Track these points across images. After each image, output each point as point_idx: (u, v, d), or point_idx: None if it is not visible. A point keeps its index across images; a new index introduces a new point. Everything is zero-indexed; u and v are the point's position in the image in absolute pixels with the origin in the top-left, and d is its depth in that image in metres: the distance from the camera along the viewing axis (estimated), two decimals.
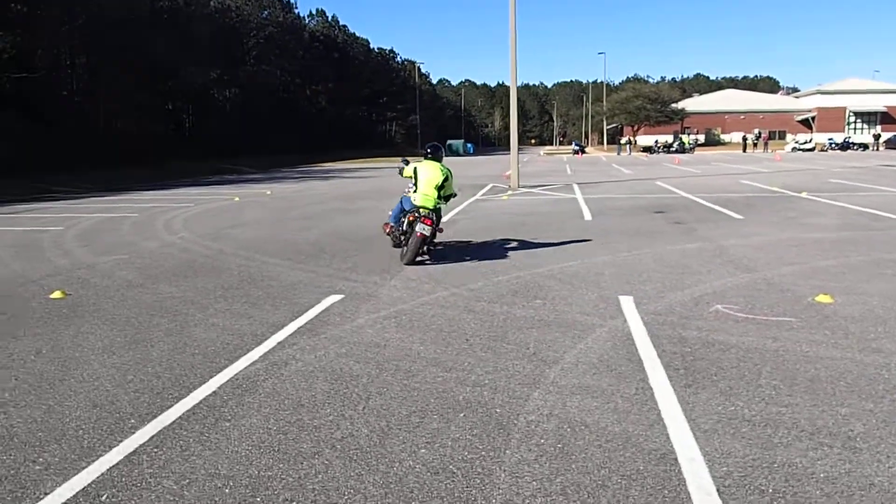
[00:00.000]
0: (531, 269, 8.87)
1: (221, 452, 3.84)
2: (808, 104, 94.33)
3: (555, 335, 5.93)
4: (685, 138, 72.37)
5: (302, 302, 7.35)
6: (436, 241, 10.46)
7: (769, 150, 65.56)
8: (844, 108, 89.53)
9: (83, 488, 3.48)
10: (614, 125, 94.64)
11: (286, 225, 14.39)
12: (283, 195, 23.52)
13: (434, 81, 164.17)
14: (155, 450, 3.89)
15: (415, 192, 9.83)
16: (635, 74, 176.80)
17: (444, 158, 10.40)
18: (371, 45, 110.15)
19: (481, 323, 6.38)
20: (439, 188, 9.80)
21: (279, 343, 5.88)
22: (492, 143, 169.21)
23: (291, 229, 13.61)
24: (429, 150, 10.32)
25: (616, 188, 23.27)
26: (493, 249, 10.52)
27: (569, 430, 4.02)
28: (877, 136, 67.48)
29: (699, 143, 79.12)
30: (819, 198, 17.39)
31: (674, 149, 68.20)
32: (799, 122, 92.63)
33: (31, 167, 35.32)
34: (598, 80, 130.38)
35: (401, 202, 10.07)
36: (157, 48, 51.94)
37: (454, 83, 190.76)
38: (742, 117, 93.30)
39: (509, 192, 21.87)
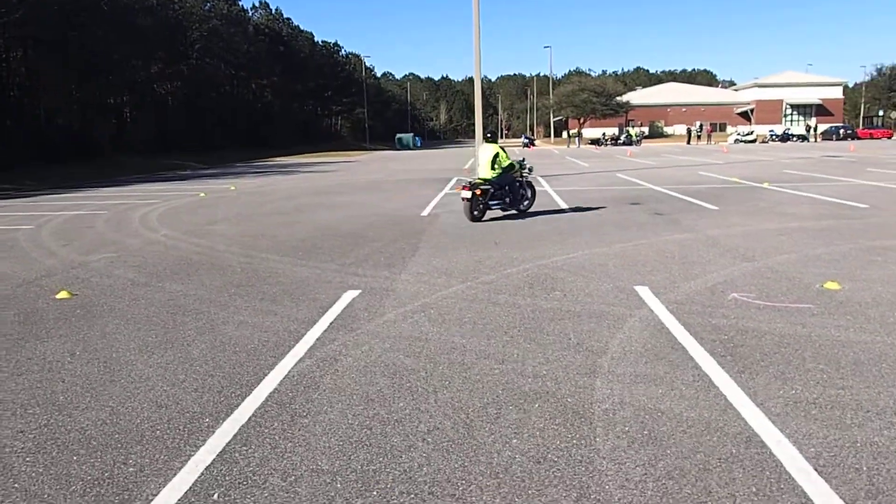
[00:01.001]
0: (535, 262, 8.98)
1: (314, 448, 3.84)
2: (746, 97, 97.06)
3: (590, 326, 6.06)
4: (632, 131, 73.63)
5: (321, 298, 7.33)
6: (523, 207, 13.86)
7: (713, 142, 67.21)
8: (781, 101, 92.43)
9: (189, 488, 3.45)
10: (559, 118, 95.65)
11: (266, 220, 14.24)
12: (247, 191, 23.20)
13: (378, 75, 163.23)
14: (244, 448, 3.88)
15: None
16: (577, 68, 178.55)
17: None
18: (315, 39, 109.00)
19: (512, 315, 6.47)
20: (492, 162, 13.07)
21: (318, 339, 5.87)
22: (437, 137, 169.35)
23: (274, 225, 13.48)
24: (488, 135, 14.04)
25: (581, 180, 23.61)
26: (488, 243, 10.60)
27: (647, 417, 4.14)
28: (808, 128, 69.71)
29: (645, 135, 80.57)
30: (782, 188, 17.95)
31: (621, 141, 69.36)
32: (738, 114, 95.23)
33: None
34: (542, 74, 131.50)
35: None
36: (97, 41, 50.45)
37: (398, 76, 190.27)
38: (684, 110, 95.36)
39: None
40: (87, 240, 12.15)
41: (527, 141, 73.90)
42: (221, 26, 75.47)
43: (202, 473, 3.60)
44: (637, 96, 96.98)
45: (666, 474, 3.45)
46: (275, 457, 3.76)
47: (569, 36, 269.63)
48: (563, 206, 15.48)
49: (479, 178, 13.23)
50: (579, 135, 77.32)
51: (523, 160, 14.40)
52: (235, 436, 4.03)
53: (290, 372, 5.07)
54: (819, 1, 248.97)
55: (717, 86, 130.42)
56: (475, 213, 12.98)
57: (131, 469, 3.67)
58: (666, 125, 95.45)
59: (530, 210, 14.20)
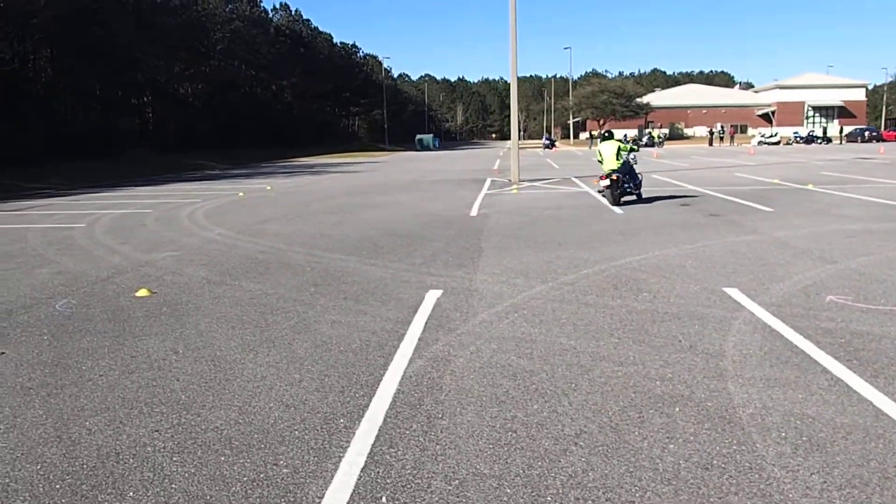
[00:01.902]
0: (608, 263, 8.86)
1: (465, 451, 3.74)
2: (767, 99, 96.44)
3: (695, 328, 5.93)
4: (655, 133, 73.23)
5: (405, 297, 7.24)
6: (639, 192, 16.08)
7: (735, 144, 66.77)
8: (803, 103, 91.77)
9: (354, 490, 3.36)
10: (578, 119, 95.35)
11: (316, 220, 14.19)
12: (284, 191, 23.19)
13: (395, 76, 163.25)
14: (391, 450, 3.78)
15: (599, 162, 15.84)
16: (593, 69, 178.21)
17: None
18: (334, 40, 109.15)
19: (609, 317, 6.35)
20: (617, 154, 15.34)
21: (420, 339, 5.77)
22: (453, 138, 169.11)
23: (325, 224, 13.42)
24: (605, 134, 16.52)
25: None
26: (550, 243, 10.49)
27: (799, 422, 4.01)
28: (824, 130, 69.46)
29: (666, 136, 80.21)
30: (828, 190, 17.73)
31: (643, 142, 68.97)
32: (759, 116, 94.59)
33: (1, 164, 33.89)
34: (558, 76, 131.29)
35: None
36: (121, 42, 50.68)
37: (414, 78, 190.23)
38: (704, 112, 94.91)
39: (515, 187, 21.86)
40: (143, 238, 12.13)
41: (548, 142, 73.60)
42: (243, 27, 75.78)
43: (360, 476, 3.51)
44: (656, 98, 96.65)
45: (846, 483, 3.33)
46: (427, 459, 3.67)
47: (585, 38, 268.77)
48: (611, 206, 15.32)
49: (609, 169, 15.41)
50: (597, 136, 77.04)
51: (637, 146, 16.61)
52: (378, 437, 3.94)
53: (405, 372, 4.98)
54: (837, 3, 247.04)
55: (734, 88, 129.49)
56: (615, 195, 15.26)
57: (285, 470, 3.58)
58: (686, 127, 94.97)
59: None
